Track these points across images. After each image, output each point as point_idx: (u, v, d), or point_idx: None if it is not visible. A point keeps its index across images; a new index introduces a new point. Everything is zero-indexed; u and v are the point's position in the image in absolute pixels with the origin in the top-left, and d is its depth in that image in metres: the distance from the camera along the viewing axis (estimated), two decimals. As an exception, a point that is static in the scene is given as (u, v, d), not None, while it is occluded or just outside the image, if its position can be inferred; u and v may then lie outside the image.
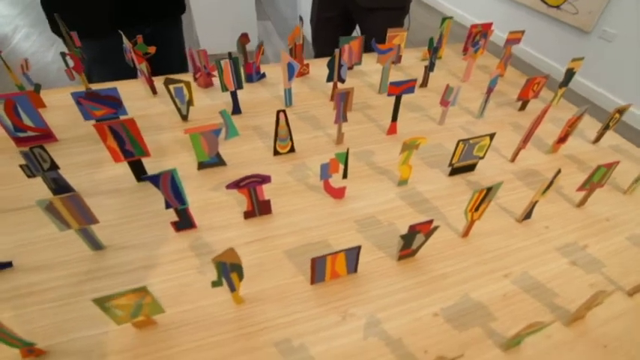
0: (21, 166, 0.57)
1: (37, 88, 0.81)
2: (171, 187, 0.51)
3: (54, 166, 0.59)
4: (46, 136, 0.74)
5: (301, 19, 1.42)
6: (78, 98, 0.68)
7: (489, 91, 0.82)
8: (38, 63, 2.78)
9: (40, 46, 2.99)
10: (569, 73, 0.89)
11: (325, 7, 1.39)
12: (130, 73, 1.20)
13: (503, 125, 0.85)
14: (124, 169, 0.68)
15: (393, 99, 0.90)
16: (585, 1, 2.54)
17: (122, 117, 0.75)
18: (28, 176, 0.58)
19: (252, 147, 0.75)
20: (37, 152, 0.57)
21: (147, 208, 0.62)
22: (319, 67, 1.03)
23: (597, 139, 0.83)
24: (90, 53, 1.06)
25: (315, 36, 1.54)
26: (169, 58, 1.20)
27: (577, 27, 2.63)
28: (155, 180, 0.49)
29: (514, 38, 0.97)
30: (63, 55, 0.79)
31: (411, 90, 0.74)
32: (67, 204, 0.47)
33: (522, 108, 0.91)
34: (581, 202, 0.68)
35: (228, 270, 0.43)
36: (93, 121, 0.77)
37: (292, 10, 3.66)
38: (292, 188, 0.66)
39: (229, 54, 0.74)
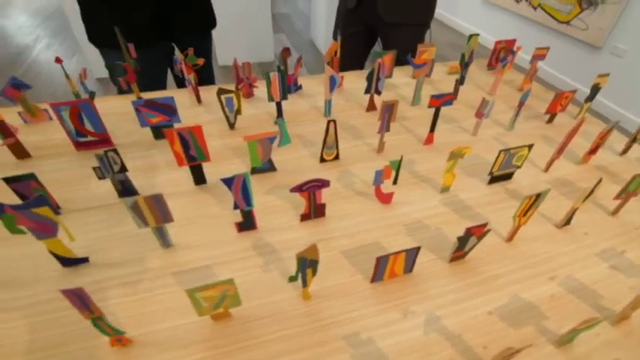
0: (94, 168, 0.61)
1: (92, 95, 0.86)
2: (242, 190, 0.55)
3: (123, 169, 0.63)
4: (104, 141, 0.78)
5: (336, 35, 1.48)
6: (137, 106, 0.73)
7: (521, 104, 0.86)
8: (60, 70, 2.85)
9: (61, 56, 3.07)
10: (595, 89, 0.93)
11: (350, 23, 1.44)
12: (160, 83, 1.25)
13: (534, 137, 0.89)
14: (179, 173, 0.72)
15: (425, 111, 0.95)
16: (595, 18, 2.61)
17: (175, 124, 0.80)
18: (99, 178, 0.62)
19: (298, 155, 0.79)
20: (110, 155, 0.61)
21: (206, 210, 0.66)
22: (351, 80, 1.07)
23: (625, 151, 0.87)
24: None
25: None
26: (199, 70, 1.26)
27: (588, 42, 2.69)
28: (229, 182, 0.53)
29: (540, 54, 1.01)
30: (119, 65, 0.84)
31: (449, 102, 0.78)
32: (150, 203, 0.51)
33: (550, 121, 0.95)
34: (616, 211, 0.71)
35: (307, 265, 0.46)
36: (146, 128, 0.81)
37: (305, 25, 3.75)
38: (341, 194, 0.70)
39: (278, 67, 0.79)
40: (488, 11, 3.58)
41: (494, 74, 1.01)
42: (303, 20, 3.86)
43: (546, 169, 0.79)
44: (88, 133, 0.76)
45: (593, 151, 0.81)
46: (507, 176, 0.76)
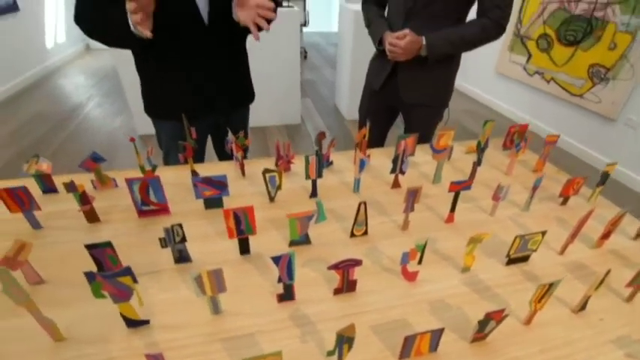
0: (160, 238, 0.72)
1: (154, 168, 1.00)
2: (287, 266, 0.63)
3: (183, 239, 0.74)
4: (163, 210, 0.90)
5: (362, 111, 1.64)
6: (196, 182, 0.85)
7: (534, 188, 0.94)
8: (107, 127, 3.16)
9: (109, 114, 3.41)
10: (605, 175, 1.01)
11: (375, 102, 1.61)
12: (201, 152, 1.40)
13: (548, 219, 0.96)
14: (226, 243, 0.82)
15: (446, 189, 1.03)
16: (607, 92, 2.74)
17: (224, 198, 0.91)
18: (163, 247, 0.72)
19: (331, 229, 0.88)
20: (175, 229, 0.71)
21: (250, 279, 0.74)
22: (377, 158, 1.19)
23: (638, 236, 0.92)
24: (171, 134, 1.28)
25: (362, 124, 1.75)
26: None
27: (602, 115, 2.80)
28: (277, 260, 0.62)
29: (551, 141, 1.11)
30: (180, 144, 0.99)
31: (468, 188, 0.87)
32: (211, 276, 0.60)
33: (564, 203, 1.02)
34: (630, 297, 0.75)
35: (344, 342, 0.53)
36: (199, 200, 0.93)
37: (330, 91, 4.06)
38: (370, 269, 0.77)
39: (316, 151, 0.91)
40: (502, 82, 3.80)
41: (509, 157, 1.11)
42: (328, 87, 4.19)
43: (561, 252, 0.85)
44: (151, 203, 0.88)
45: (605, 236, 0.87)
46: (524, 258, 0.82)
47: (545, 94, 3.30)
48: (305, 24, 5.15)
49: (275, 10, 1.22)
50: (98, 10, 0.97)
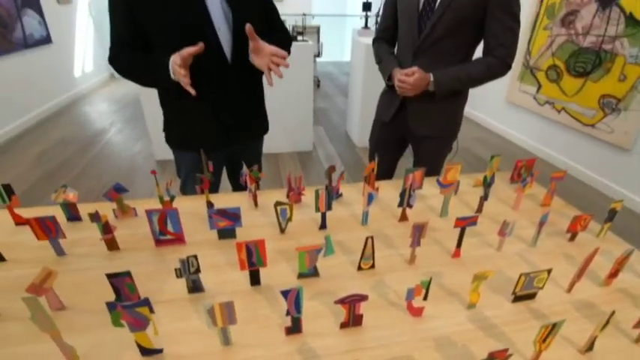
0: (176, 269, 0.75)
1: (172, 198, 1.05)
2: (295, 300, 0.66)
3: (197, 270, 0.77)
4: (179, 239, 0.94)
5: (374, 156, 1.70)
6: (211, 214, 0.90)
7: (541, 224, 0.96)
8: (127, 152, 3.28)
9: (130, 139, 3.55)
10: (612, 212, 1.01)
11: (385, 134, 1.65)
12: (216, 182, 1.45)
13: (556, 256, 0.96)
14: (238, 274, 0.85)
15: (452, 223, 1.05)
16: (619, 122, 2.74)
17: (237, 228, 0.95)
18: (178, 277, 0.76)
19: (338, 261, 0.90)
20: (190, 260, 0.75)
21: (259, 311, 0.77)
22: (386, 190, 1.22)
23: (648, 276, 0.91)
24: (190, 165, 1.34)
25: (372, 154, 1.79)
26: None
27: (615, 144, 2.78)
28: (286, 294, 0.65)
29: (558, 177, 1.13)
30: (198, 176, 1.04)
31: (474, 224, 0.89)
32: (223, 308, 0.63)
33: (572, 239, 1.02)
34: (639, 339, 0.74)
35: (348, 378, 0.55)
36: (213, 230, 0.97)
37: (341, 119, 4.16)
38: (376, 303, 0.79)
39: (326, 186, 0.95)
40: (513, 111, 3.83)
41: (515, 191, 1.13)
42: (340, 114, 4.29)
43: (569, 290, 0.85)
44: (168, 233, 0.93)
45: (613, 274, 0.87)
46: (531, 296, 0.82)
47: (557, 123, 3.30)
48: (318, 55, 5.34)
49: (289, 46, 1.31)
50: (133, 55, 1.05)
